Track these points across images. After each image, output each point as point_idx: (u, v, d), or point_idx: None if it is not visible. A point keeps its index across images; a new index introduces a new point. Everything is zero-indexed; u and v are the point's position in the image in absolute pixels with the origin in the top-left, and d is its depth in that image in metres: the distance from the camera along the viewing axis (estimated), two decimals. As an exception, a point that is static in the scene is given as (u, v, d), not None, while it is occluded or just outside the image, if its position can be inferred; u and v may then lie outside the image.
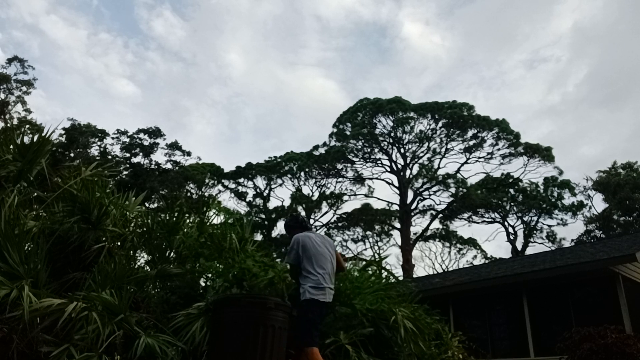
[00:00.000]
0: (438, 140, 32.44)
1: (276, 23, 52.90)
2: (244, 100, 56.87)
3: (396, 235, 33.80)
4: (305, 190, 35.46)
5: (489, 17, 51.75)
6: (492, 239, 46.05)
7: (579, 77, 49.97)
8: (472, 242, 34.67)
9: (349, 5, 51.11)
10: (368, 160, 33.88)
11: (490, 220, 32.87)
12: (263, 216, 35.09)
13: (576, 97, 49.63)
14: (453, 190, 31.98)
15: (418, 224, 33.86)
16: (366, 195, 34.83)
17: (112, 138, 31.53)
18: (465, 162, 32.40)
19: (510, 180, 31.77)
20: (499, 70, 50.79)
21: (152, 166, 31.41)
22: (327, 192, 34.89)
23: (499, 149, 31.58)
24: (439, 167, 32.74)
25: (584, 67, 50.14)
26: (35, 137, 4.99)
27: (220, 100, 56.62)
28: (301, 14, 52.50)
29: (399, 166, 33.35)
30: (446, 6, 51.67)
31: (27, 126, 26.34)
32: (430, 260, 40.20)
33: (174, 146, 32.43)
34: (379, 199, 34.89)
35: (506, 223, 32.76)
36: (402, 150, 33.13)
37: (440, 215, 33.04)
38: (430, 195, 32.74)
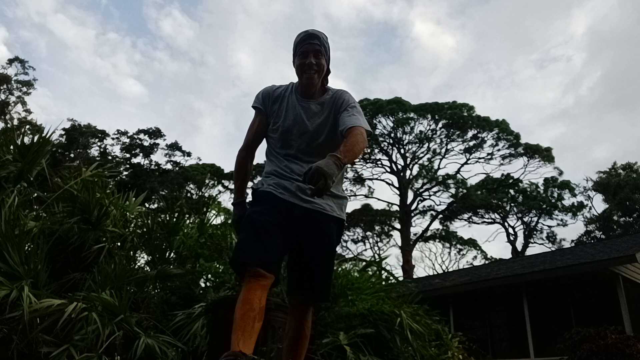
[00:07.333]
0: (438, 140, 32.41)
1: (286, 22, 52.77)
2: (252, 100, 56.72)
3: (396, 235, 33.81)
4: (305, 190, 35.33)
5: (501, 16, 51.61)
6: (492, 240, 46.01)
7: (592, 79, 49.91)
8: (472, 243, 34.70)
9: (360, 5, 50.93)
10: (368, 160, 33.87)
11: (490, 220, 32.87)
12: (263, 217, 35.04)
13: (589, 99, 49.50)
14: (453, 190, 31.98)
15: (418, 225, 33.87)
16: (366, 196, 34.81)
17: (112, 138, 31.53)
18: (465, 163, 32.38)
19: (511, 181, 31.76)
20: (509, 70, 50.57)
21: (152, 167, 31.40)
22: (327, 192, 34.80)
23: (499, 150, 31.56)
24: (439, 168, 32.72)
25: (597, 69, 50.11)
26: (36, 138, 4.99)
27: (228, 100, 56.58)
28: (311, 14, 52.32)
29: (399, 167, 33.33)
30: (458, 5, 51.52)
31: (28, 127, 26.34)
32: (431, 261, 40.28)
33: (174, 146, 32.43)
34: (379, 199, 34.92)
35: (506, 224, 32.76)
36: (402, 151, 33.10)
37: (440, 215, 33.03)
38: (430, 195, 32.74)
